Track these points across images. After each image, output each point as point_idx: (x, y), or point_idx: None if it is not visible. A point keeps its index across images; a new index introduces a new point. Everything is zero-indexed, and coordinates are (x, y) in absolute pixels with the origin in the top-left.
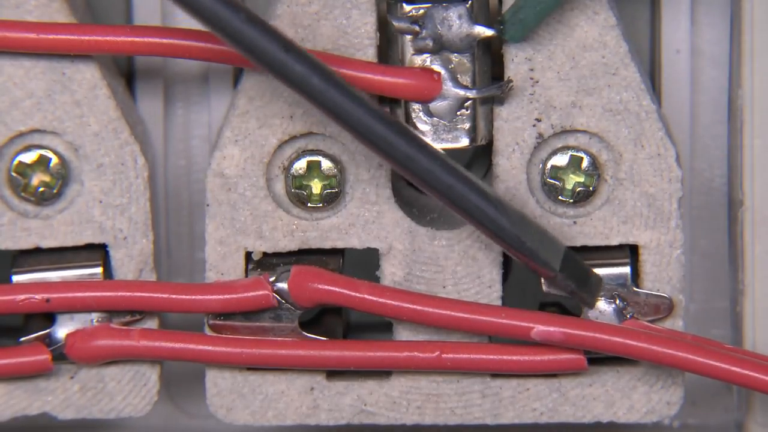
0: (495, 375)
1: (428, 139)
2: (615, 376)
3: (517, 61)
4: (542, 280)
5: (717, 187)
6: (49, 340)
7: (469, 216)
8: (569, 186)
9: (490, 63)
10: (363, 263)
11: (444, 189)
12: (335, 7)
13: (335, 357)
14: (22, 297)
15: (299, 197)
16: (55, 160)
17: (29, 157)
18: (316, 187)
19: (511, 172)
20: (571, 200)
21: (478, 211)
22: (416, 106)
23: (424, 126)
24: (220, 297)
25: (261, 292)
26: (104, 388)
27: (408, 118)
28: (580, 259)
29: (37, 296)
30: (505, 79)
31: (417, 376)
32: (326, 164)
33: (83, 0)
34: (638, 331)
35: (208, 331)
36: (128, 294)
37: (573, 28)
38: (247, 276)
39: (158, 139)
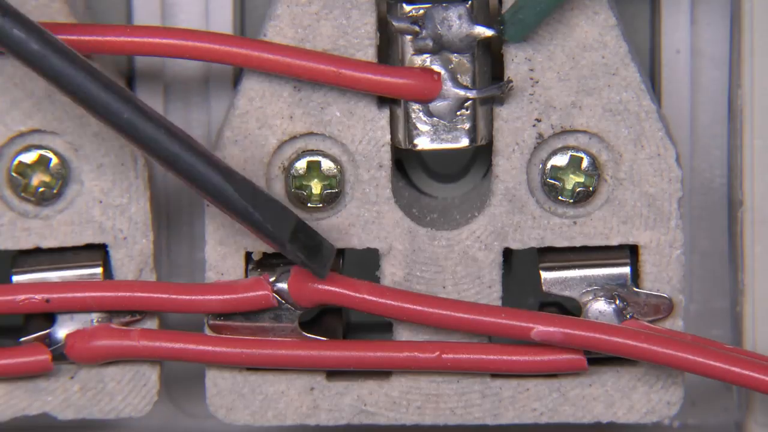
0: (495, 375)
1: (428, 140)
2: (615, 376)
3: (517, 61)
4: (541, 280)
5: (717, 187)
6: (49, 341)
7: (197, 186)
8: (569, 186)
9: (490, 63)
10: (363, 263)
11: (170, 158)
12: (335, 7)
13: (335, 357)
14: (22, 297)
15: (299, 197)
16: (55, 160)
17: (29, 157)
18: (316, 187)
19: (511, 173)
20: (571, 200)
21: (204, 181)
22: (416, 106)
23: (424, 126)
24: (220, 297)
25: (261, 293)
26: (104, 388)
27: (408, 118)
28: (312, 230)
29: (37, 296)
30: (505, 79)
31: (417, 377)
32: (326, 164)
33: (83, 0)
34: (638, 332)
35: (208, 332)
36: (128, 294)
37: (573, 28)
38: (247, 276)
39: None
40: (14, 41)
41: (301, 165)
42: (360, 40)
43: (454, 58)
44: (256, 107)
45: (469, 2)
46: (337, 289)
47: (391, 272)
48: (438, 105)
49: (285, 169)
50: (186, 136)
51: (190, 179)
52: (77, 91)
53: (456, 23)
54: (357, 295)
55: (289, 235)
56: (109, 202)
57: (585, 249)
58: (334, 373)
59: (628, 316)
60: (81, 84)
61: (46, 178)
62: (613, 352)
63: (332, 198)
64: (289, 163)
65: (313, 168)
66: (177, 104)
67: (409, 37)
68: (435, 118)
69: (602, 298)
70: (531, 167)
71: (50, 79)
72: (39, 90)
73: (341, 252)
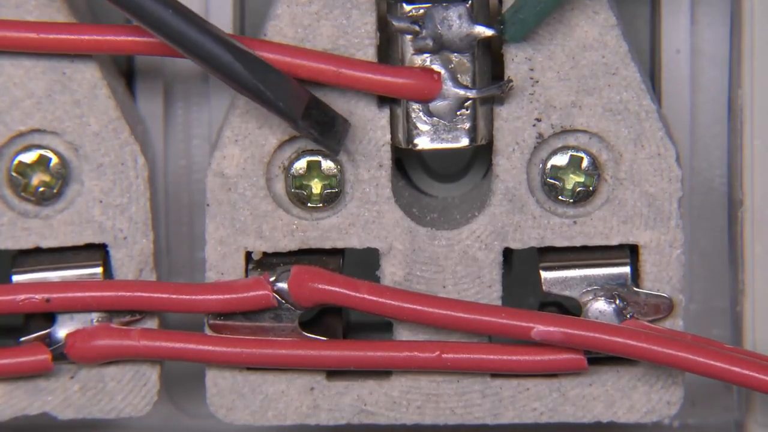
0: (495, 375)
1: (428, 139)
2: (615, 376)
3: (517, 61)
4: (541, 280)
5: (717, 187)
6: (49, 340)
7: (207, 64)
8: (569, 186)
9: (490, 63)
10: (363, 263)
11: (178, 37)
12: (335, 7)
13: (335, 357)
14: (22, 297)
15: (299, 197)
16: (55, 160)
17: (29, 157)
18: (316, 186)
19: (511, 172)
20: (571, 200)
21: (215, 59)
22: (416, 106)
23: (424, 126)
24: (220, 297)
25: (261, 292)
26: (104, 387)
27: (408, 117)
28: (325, 106)
29: (37, 296)
30: (505, 78)
31: (417, 376)
32: (326, 164)
33: (83, 0)
34: (638, 331)
35: (208, 331)
36: (128, 294)
37: (573, 28)
38: (247, 276)
39: (158, 139)
40: None
41: (301, 165)
42: (360, 40)
43: (454, 58)
44: (256, 107)
45: (469, 2)
46: (337, 289)
47: (391, 272)
48: (438, 105)
49: (285, 168)
50: (198, 18)
51: (201, 58)
52: None
53: (456, 23)
54: (357, 294)
55: (302, 112)
56: (109, 201)
57: (585, 249)
58: (334, 372)
59: (628, 316)
60: None
61: (46, 178)
62: (613, 351)
63: (332, 198)
64: (289, 163)
65: (313, 168)
66: (177, 104)
67: (409, 37)
68: (435, 118)
69: (602, 298)
70: (531, 167)
71: None
72: (39, 90)
73: (341, 252)
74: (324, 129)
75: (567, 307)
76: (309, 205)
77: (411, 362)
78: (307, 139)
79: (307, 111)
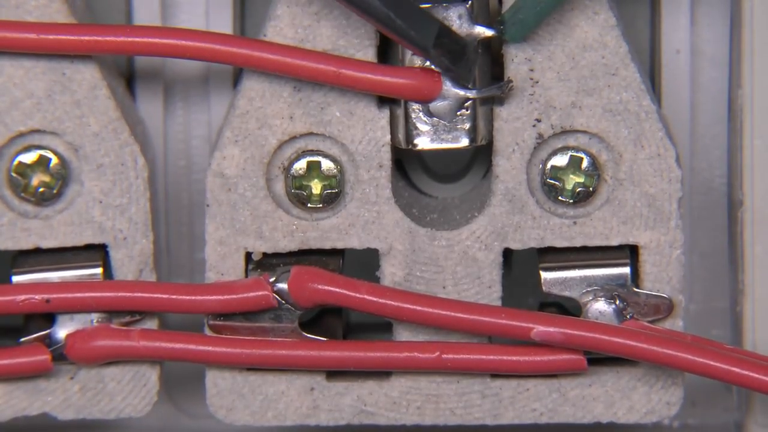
0: (495, 375)
1: (428, 140)
2: (615, 376)
3: (517, 62)
4: (541, 280)
5: (717, 187)
6: (49, 341)
7: None
8: (569, 186)
9: (490, 63)
10: (363, 263)
11: None
12: (335, 7)
13: (335, 357)
14: (22, 297)
15: (299, 197)
16: (55, 160)
17: (29, 158)
18: (316, 187)
19: (511, 173)
20: (571, 200)
21: None
22: (416, 106)
23: (424, 126)
24: (220, 297)
25: (261, 293)
26: (104, 388)
27: (408, 118)
28: (456, 35)
29: (37, 296)
30: (505, 79)
31: (417, 377)
32: (326, 164)
33: (83, 0)
34: (638, 332)
35: (208, 332)
36: (128, 294)
37: (573, 29)
38: (247, 276)
39: (158, 139)
40: None
41: (301, 165)
42: (360, 40)
43: None
44: (256, 107)
45: (469, 2)
46: (337, 289)
47: (391, 272)
48: (438, 105)
49: (285, 169)
50: None
51: None
52: None
53: (456, 23)
54: (357, 295)
55: (432, 41)
56: (109, 202)
57: (585, 249)
58: (334, 373)
59: (628, 317)
60: None
61: (46, 179)
62: (613, 352)
63: (332, 198)
64: (289, 164)
65: (313, 168)
66: (177, 104)
67: None
68: (435, 118)
69: (602, 299)
70: (531, 167)
71: None
72: (39, 90)
73: (341, 252)
74: (455, 57)
75: (567, 308)
76: (309, 205)
77: (411, 363)
78: (305, 139)
79: (439, 39)
